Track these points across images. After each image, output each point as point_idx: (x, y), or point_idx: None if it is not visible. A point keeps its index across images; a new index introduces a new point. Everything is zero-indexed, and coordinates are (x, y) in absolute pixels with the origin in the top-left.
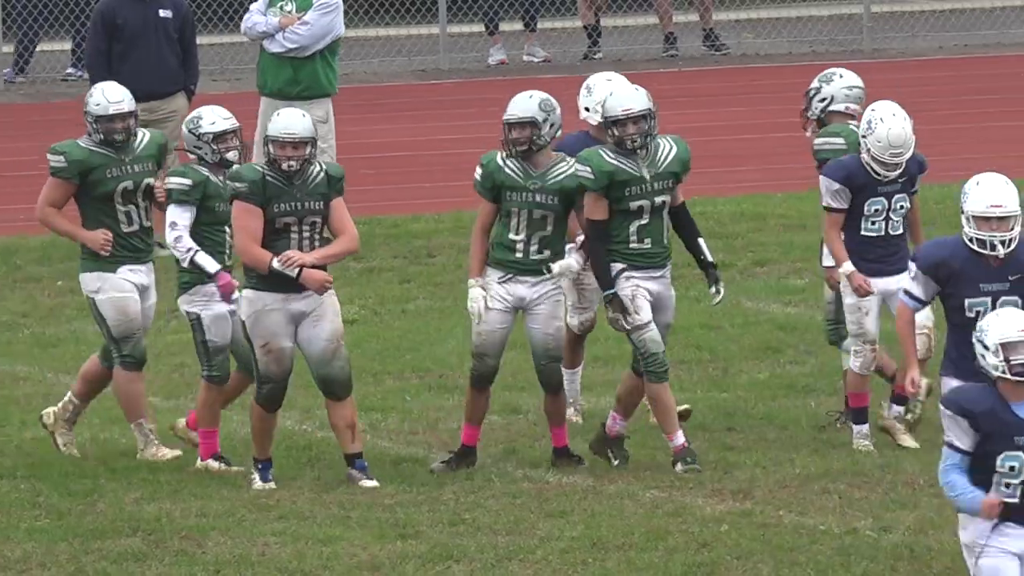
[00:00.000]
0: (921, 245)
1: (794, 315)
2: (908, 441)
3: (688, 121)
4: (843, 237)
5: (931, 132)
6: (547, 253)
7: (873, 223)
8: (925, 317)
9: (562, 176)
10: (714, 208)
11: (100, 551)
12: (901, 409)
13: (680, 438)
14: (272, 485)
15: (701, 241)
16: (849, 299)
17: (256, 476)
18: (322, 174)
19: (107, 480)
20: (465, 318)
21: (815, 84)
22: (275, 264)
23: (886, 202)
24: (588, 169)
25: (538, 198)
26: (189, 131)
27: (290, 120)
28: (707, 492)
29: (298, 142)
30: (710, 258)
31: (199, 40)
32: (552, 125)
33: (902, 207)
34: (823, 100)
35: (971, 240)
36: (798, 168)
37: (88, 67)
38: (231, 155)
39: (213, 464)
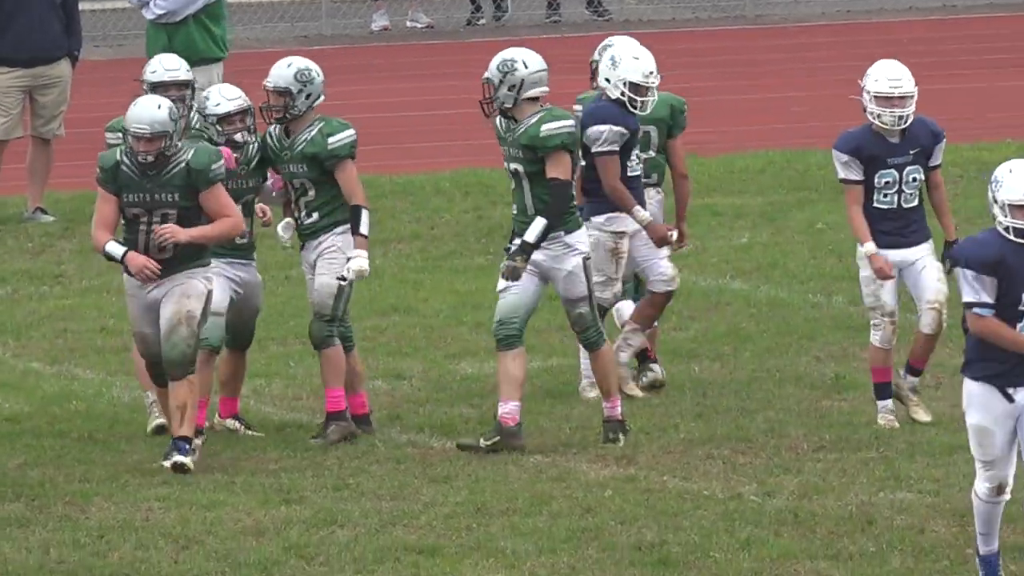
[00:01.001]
0: (962, 249)
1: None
2: (921, 415)
3: (571, 87)
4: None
5: (812, 98)
6: (316, 216)
7: (885, 195)
8: (936, 291)
9: (305, 144)
10: None
11: None
12: (916, 380)
13: (507, 407)
14: (185, 460)
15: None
16: (865, 271)
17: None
18: (181, 166)
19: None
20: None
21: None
22: (106, 248)
23: (897, 175)
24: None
25: (291, 167)
26: (197, 111)
27: (142, 112)
28: (591, 457)
29: (152, 136)
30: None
31: (81, 6)
32: (308, 96)
33: (915, 179)
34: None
35: (1007, 230)
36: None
37: None
38: (239, 137)
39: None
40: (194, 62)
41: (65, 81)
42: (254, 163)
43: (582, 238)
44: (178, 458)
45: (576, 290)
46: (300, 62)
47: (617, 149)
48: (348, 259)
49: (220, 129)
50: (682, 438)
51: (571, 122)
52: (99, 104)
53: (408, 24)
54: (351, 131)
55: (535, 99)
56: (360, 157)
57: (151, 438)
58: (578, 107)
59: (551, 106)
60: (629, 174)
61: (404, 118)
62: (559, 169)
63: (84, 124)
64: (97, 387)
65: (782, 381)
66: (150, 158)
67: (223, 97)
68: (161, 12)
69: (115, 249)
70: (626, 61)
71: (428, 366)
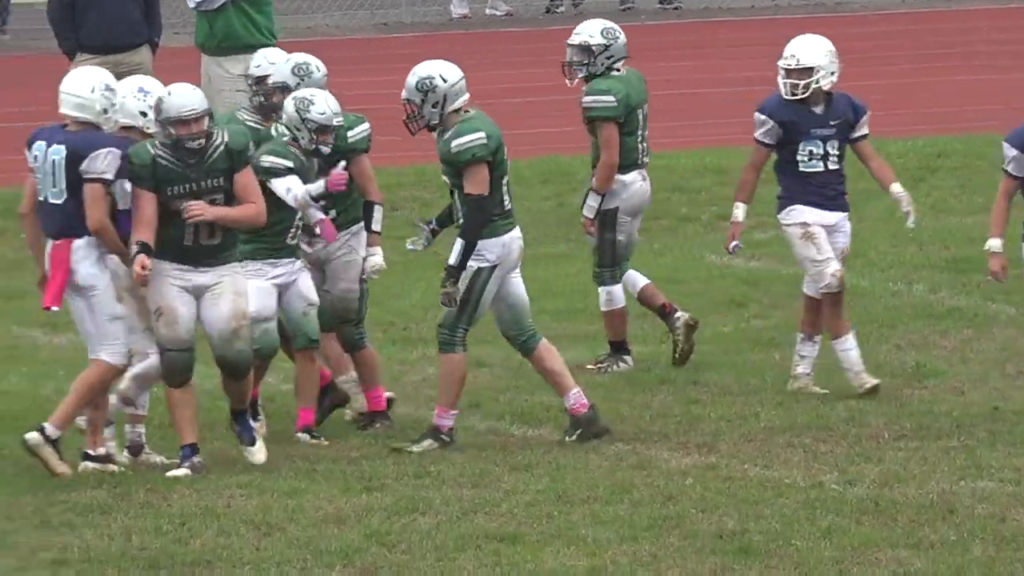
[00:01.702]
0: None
1: (758, 269)
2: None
3: (649, 74)
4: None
5: (893, 86)
6: (333, 213)
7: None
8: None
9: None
10: (677, 162)
11: (65, 503)
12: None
13: (440, 419)
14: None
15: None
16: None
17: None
18: (221, 148)
19: (73, 433)
20: (430, 271)
21: (600, 40)
22: (132, 248)
23: (822, 145)
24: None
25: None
26: (296, 110)
27: (185, 97)
28: (672, 445)
29: (200, 115)
30: None
31: None
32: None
33: (838, 155)
34: (610, 57)
35: None
36: None
37: (51, 20)
38: (325, 149)
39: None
40: (236, 49)
41: (145, 68)
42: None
43: (493, 247)
44: (257, 456)
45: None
46: (298, 57)
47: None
48: (364, 259)
49: (314, 137)
50: (763, 426)
51: (480, 134)
52: None
53: (487, 12)
54: (367, 124)
55: (457, 110)
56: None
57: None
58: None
59: (473, 113)
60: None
61: (483, 106)
62: (473, 183)
63: None
64: None
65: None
66: (202, 140)
67: (329, 108)
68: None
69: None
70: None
71: (508, 354)
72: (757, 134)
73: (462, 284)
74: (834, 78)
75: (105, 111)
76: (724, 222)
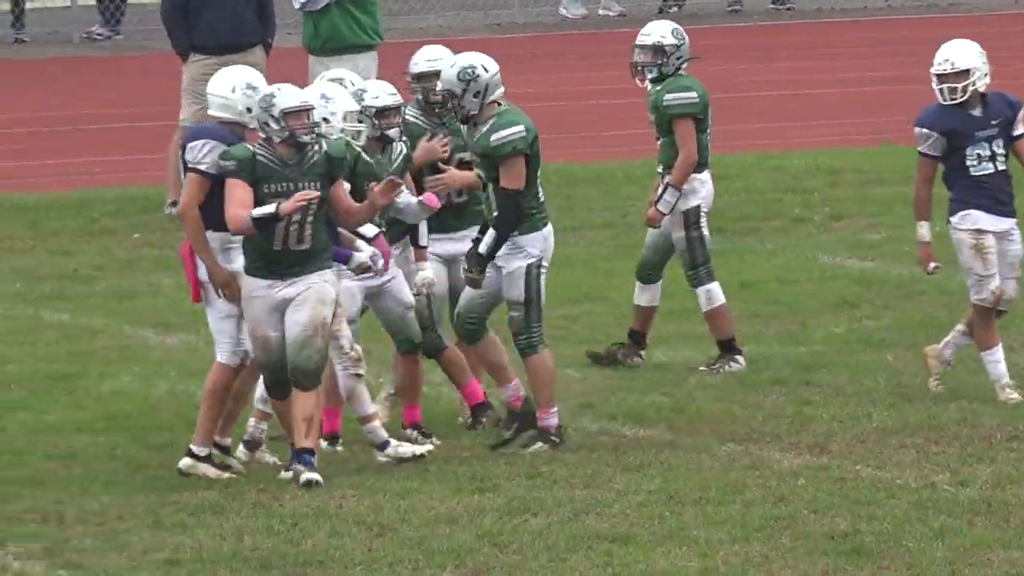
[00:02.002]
0: None
1: (871, 270)
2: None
3: (750, 75)
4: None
5: (1007, 87)
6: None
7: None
8: None
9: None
10: (789, 163)
11: (177, 503)
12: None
13: (545, 420)
14: (316, 476)
15: None
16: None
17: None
18: (321, 154)
19: (184, 433)
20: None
21: (672, 40)
22: (253, 214)
23: (988, 146)
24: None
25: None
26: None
27: (296, 92)
28: (784, 446)
29: (310, 109)
30: None
31: None
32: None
33: (1004, 154)
34: (680, 58)
35: None
36: (873, 123)
37: (164, 21)
38: (392, 132)
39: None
40: (340, 50)
41: (259, 69)
42: (397, 163)
43: (535, 242)
44: (308, 475)
45: (513, 292)
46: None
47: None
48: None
49: (376, 122)
50: (875, 427)
51: (520, 127)
52: None
53: (600, 12)
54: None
55: (493, 102)
56: (553, 145)
57: (349, 423)
58: None
59: (507, 106)
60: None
61: (597, 106)
62: (509, 177)
63: None
64: None
65: (975, 370)
66: (313, 134)
67: (382, 91)
68: (304, 0)
69: (264, 209)
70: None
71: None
72: (922, 148)
73: (517, 288)
74: (987, 79)
75: (249, 109)
76: (837, 223)
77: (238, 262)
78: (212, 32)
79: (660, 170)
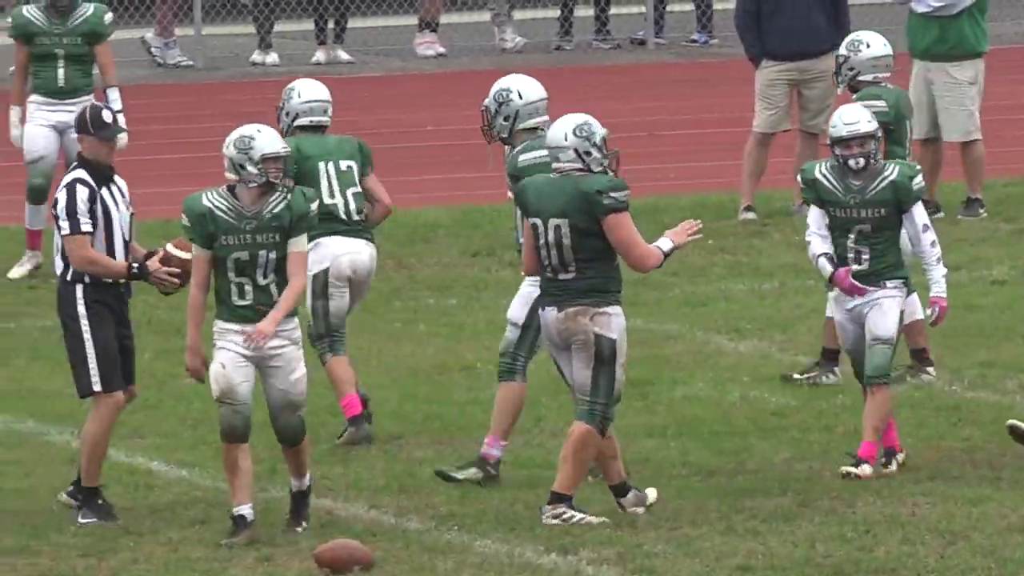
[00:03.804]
0: None
1: None
2: None
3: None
4: None
5: None
6: None
7: None
8: None
9: None
10: None
11: (750, 510)
12: None
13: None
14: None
15: None
16: None
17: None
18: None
19: (757, 439)
20: None
21: (843, 52)
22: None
23: None
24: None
25: None
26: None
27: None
28: None
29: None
30: None
31: None
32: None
33: None
34: (851, 70)
35: None
36: None
37: (737, 27)
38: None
39: None
40: (962, 56)
41: (831, 75)
42: None
43: None
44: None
45: (514, 314)
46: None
47: None
48: None
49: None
50: None
51: (545, 152)
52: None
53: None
54: None
55: (533, 129)
56: None
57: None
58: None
59: (545, 133)
60: None
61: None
62: None
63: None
64: None
65: None
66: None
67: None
68: (939, 4)
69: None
70: None
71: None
72: None
73: (522, 311)
74: None
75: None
76: None
77: None
78: (786, 37)
79: None
